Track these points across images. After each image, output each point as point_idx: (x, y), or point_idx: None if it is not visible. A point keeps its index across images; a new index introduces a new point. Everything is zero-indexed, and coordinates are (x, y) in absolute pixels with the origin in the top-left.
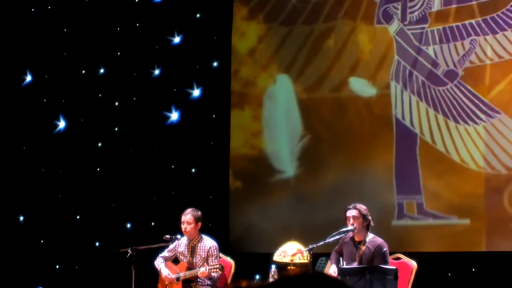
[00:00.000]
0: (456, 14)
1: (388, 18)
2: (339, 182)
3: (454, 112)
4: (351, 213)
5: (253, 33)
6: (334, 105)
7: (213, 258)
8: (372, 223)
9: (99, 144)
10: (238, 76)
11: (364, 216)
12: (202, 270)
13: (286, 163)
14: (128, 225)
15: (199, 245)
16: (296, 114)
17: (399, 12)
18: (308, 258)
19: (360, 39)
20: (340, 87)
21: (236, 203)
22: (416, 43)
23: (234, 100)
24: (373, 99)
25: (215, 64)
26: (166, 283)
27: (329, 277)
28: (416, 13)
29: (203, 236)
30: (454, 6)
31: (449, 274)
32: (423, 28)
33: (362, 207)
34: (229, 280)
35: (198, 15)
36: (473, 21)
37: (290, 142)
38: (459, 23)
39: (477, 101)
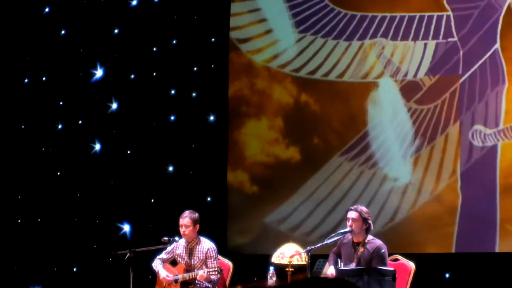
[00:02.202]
0: None
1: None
2: None
3: None
4: (351, 214)
5: (269, 47)
6: None
7: (212, 259)
8: (372, 227)
9: (97, 146)
10: (255, 88)
11: (364, 219)
12: (200, 273)
13: (400, 169)
14: (126, 227)
15: (197, 247)
16: (405, 117)
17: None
18: (306, 259)
19: None
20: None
21: (253, 207)
22: None
23: (251, 110)
24: None
25: (212, 66)
26: (164, 285)
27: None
28: None
29: (201, 238)
30: None
31: (447, 276)
32: None
33: (363, 209)
34: (227, 282)
35: (195, 17)
36: None
37: (401, 146)
38: None
39: None
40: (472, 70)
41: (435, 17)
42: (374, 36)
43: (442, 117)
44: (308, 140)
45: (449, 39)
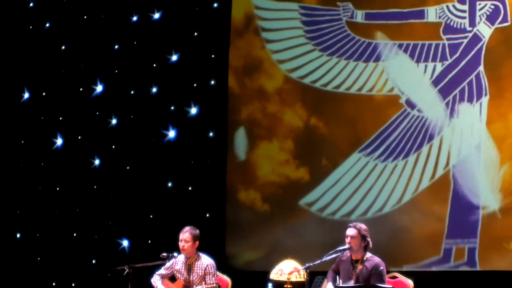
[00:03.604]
0: None
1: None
2: None
3: None
4: (350, 232)
5: (280, 74)
6: None
7: (211, 276)
8: (370, 245)
9: (96, 162)
10: (267, 111)
11: (363, 237)
12: None
13: (487, 196)
14: (125, 243)
15: (196, 263)
16: (489, 142)
17: None
18: (305, 276)
19: None
20: None
21: (264, 225)
22: None
23: (263, 133)
24: None
25: (212, 82)
26: None
27: None
28: None
29: (200, 254)
30: None
31: None
32: None
33: (362, 227)
34: None
35: (195, 34)
36: None
37: (488, 172)
38: None
39: None
40: (461, 86)
41: (433, 45)
42: (386, 58)
43: (439, 122)
44: (317, 161)
45: (444, 62)
